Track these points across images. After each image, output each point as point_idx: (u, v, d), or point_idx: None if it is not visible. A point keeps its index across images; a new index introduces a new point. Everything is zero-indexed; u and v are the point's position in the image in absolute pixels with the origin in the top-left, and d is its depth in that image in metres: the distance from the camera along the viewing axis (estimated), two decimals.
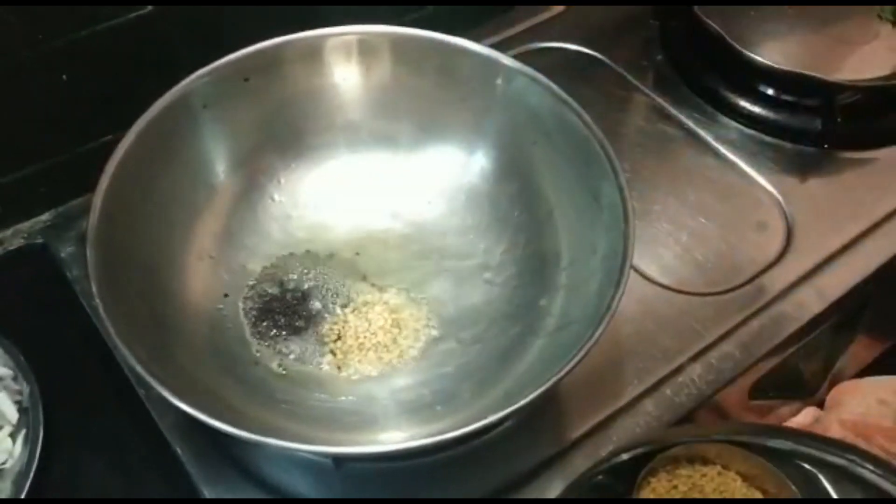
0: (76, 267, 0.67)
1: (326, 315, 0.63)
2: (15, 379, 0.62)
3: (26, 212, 0.73)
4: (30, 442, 0.59)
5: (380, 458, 0.57)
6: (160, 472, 0.61)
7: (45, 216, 0.73)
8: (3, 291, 0.69)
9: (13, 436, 0.60)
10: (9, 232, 0.73)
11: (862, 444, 0.67)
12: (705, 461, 0.55)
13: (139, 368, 0.48)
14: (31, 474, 0.58)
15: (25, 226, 0.73)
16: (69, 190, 0.73)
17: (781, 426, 0.56)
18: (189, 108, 0.62)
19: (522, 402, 0.49)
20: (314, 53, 0.65)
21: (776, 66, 0.76)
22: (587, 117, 0.60)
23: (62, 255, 0.69)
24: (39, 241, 0.72)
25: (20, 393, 0.62)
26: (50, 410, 0.61)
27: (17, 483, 0.58)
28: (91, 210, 0.54)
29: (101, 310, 0.50)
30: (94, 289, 0.51)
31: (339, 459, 0.57)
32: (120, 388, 0.61)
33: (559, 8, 0.89)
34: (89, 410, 0.64)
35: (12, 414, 0.61)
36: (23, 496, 0.57)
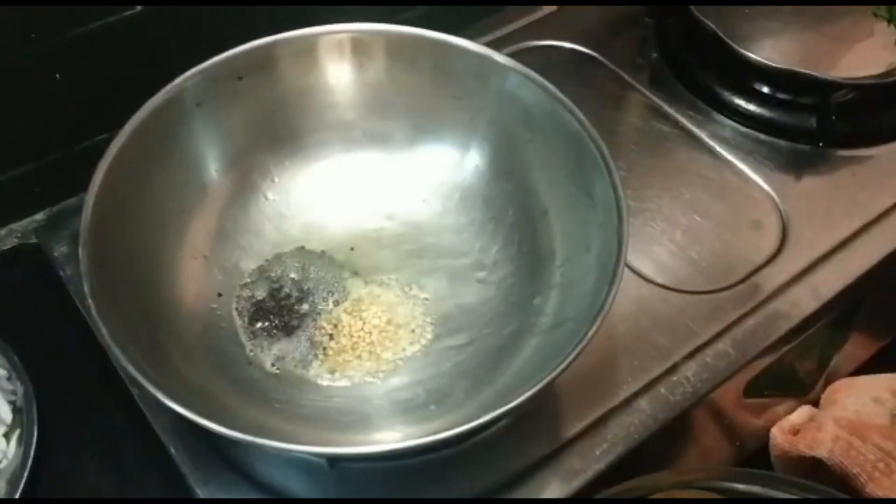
0: (70, 266, 0.67)
1: (320, 314, 0.63)
2: (9, 379, 0.62)
3: (20, 211, 0.73)
4: (24, 442, 0.59)
5: (374, 458, 0.57)
6: (154, 472, 0.61)
7: (40, 215, 0.73)
8: None
9: (7, 436, 0.60)
10: (2, 231, 0.73)
11: (857, 442, 0.67)
12: None
13: (131, 369, 0.48)
14: (26, 474, 0.58)
15: (19, 225, 0.73)
16: (63, 189, 0.73)
17: (759, 472, 0.56)
18: (182, 106, 0.62)
19: (517, 402, 0.49)
20: (308, 52, 0.65)
21: (771, 63, 0.76)
22: (581, 115, 0.60)
23: (56, 254, 0.68)
24: (33, 240, 0.72)
25: (14, 393, 0.62)
26: (44, 410, 0.61)
27: (12, 483, 0.58)
28: (84, 209, 0.54)
29: (93, 310, 0.50)
30: (86, 289, 0.51)
31: (333, 459, 0.57)
32: (114, 387, 0.61)
33: (553, 6, 0.89)
34: (83, 410, 0.64)
35: (6, 414, 0.61)
36: (17, 496, 0.57)
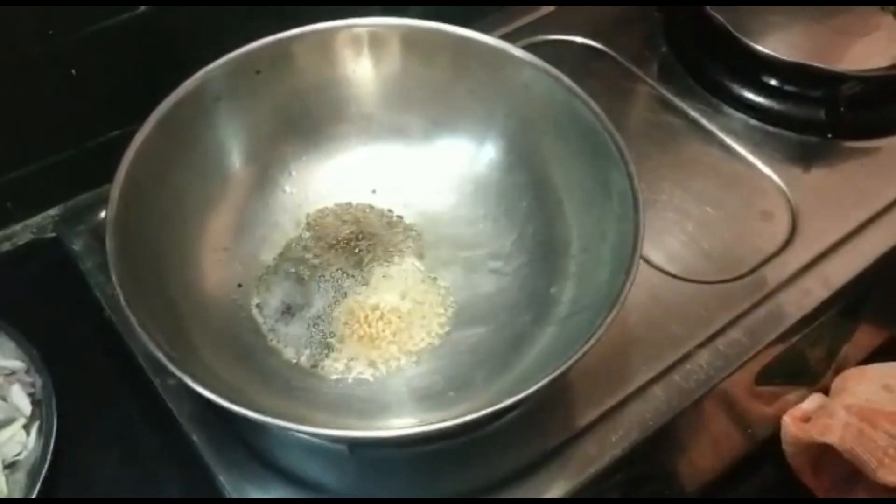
0: (90, 259, 0.67)
1: (338, 305, 0.63)
2: (28, 372, 0.63)
3: (35, 207, 0.73)
4: (43, 434, 0.60)
5: (394, 443, 0.58)
6: (174, 463, 0.61)
7: (54, 211, 0.73)
8: (15, 285, 0.69)
9: (27, 428, 0.61)
10: (18, 227, 0.73)
11: (867, 429, 0.68)
12: None
13: (160, 355, 0.48)
14: (46, 466, 0.58)
15: (34, 220, 0.73)
16: (77, 185, 0.73)
17: None
18: (202, 100, 0.62)
19: (534, 388, 0.49)
20: (325, 46, 0.65)
21: (780, 57, 0.77)
22: (596, 107, 0.61)
23: (75, 247, 0.69)
24: (50, 234, 0.72)
25: (33, 385, 0.63)
26: (63, 402, 0.61)
27: (32, 475, 0.58)
28: (109, 201, 0.55)
29: (122, 299, 0.50)
30: (114, 278, 0.51)
31: (353, 445, 0.57)
32: (133, 378, 0.62)
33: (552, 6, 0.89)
34: (102, 402, 0.64)
35: (26, 406, 0.61)
36: (37, 488, 0.57)
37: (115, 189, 0.55)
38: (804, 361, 0.75)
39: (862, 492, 0.69)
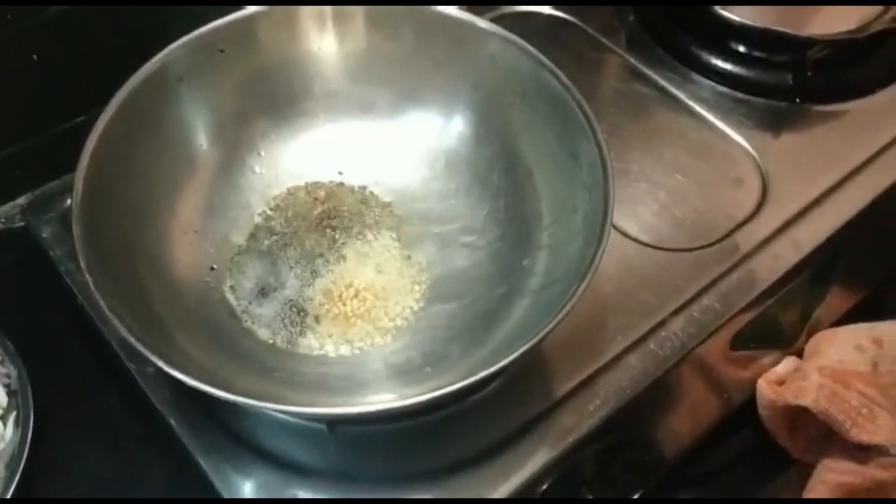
0: (60, 247, 0.67)
1: (312, 284, 0.63)
2: (2, 362, 0.62)
3: (2, 196, 0.72)
4: (21, 424, 0.59)
5: (373, 418, 0.58)
6: (154, 448, 0.61)
7: (21, 199, 0.73)
8: None
9: (3, 419, 0.60)
10: None
11: (840, 390, 0.69)
12: None
13: (132, 339, 0.48)
14: (24, 456, 0.58)
15: (2, 210, 0.72)
16: (45, 172, 0.72)
17: None
18: (165, 81, 0.61)
19: (508, 360, 0.49)
20: (289, 23, 0.65)
21: (747, 23, 0.77)
22: (564, 78, 0.61)
23: (44, 235, 0.68)
24: (19, 224, 0.71)
25: (8, 376, 0.62)
26: (39, 392, 0.61)
27: (11, 466, 0.58)
28: (74, 187, 0.54)
29: (91, 285, 0.50)
30: (82, 264, 0.50)
31: (332, 423, 0.57)
32: (109, 365, 0.62)
33: None
34: (79, 390, 0.64)
35: (1, 397, 0.61)
36: (17, 478, 0.57)
37: (80, 174, 0.54)
38: (777, 325, 0.75)
39: (836, 452, 0.70)
